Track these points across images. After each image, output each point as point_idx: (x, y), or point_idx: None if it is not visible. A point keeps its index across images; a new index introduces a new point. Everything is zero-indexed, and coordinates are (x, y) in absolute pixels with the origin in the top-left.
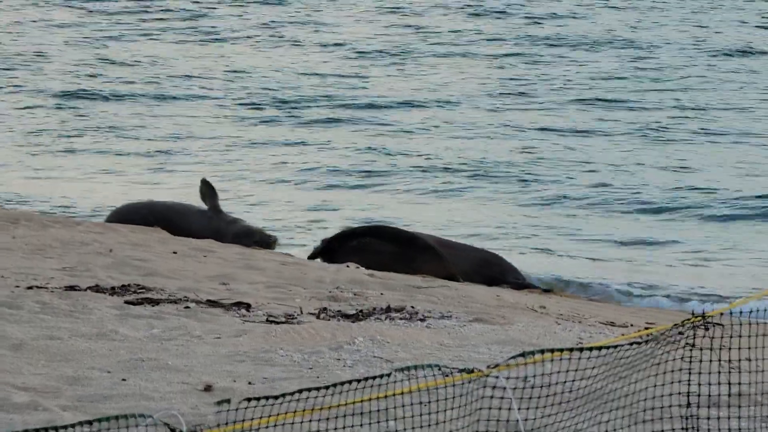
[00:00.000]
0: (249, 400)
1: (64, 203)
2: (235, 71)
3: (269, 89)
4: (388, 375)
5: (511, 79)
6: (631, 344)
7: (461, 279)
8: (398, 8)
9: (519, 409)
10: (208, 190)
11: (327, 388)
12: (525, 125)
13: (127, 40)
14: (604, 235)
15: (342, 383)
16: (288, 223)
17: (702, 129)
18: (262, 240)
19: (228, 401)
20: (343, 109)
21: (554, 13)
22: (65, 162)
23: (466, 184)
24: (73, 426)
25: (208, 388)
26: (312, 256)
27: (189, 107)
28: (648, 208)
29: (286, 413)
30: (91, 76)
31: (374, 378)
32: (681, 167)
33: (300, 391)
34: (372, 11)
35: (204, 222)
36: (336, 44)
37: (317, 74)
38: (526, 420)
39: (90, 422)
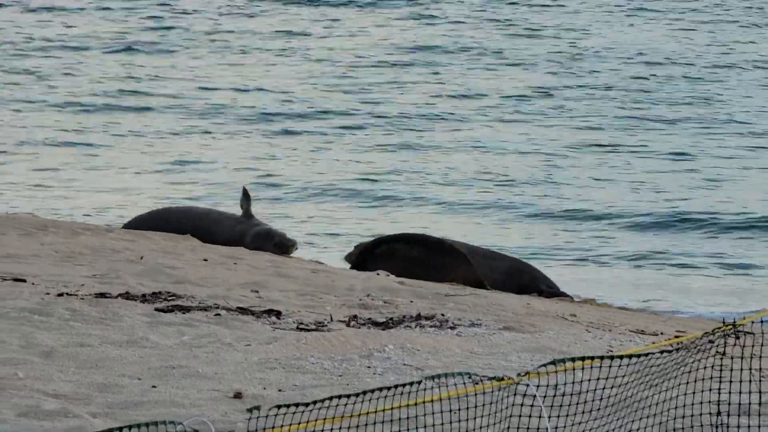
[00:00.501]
0: (279, 407)
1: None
2: (246, 84)
3: (289, 101)
4: (419, 383)
5: (543, 92)
6: (662, 352)
7: (489, 286)
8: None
9: (549, 417)
10: (243, 196)
11: (357, 395)
12: (555, 138)
13: (149, 52)
14: (633, 250)
15: (372, 390)
16: (317, 231)
17: (738, 145)
18: (281, 243)
19: (258, 408)
20: (369, 117)
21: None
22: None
23: (492, 198)
24: None
25: (238, 396)
26: (350, 263)
27: (212, 120)
28: (680, 219)
29: (316, 420)
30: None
31: (404, 386)
32: (710, 180)
33: (331, 398)
34: (407, 19)
35: (231, 226)
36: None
37: (345, 82)
38: (556, 428)
39: (120, 429)
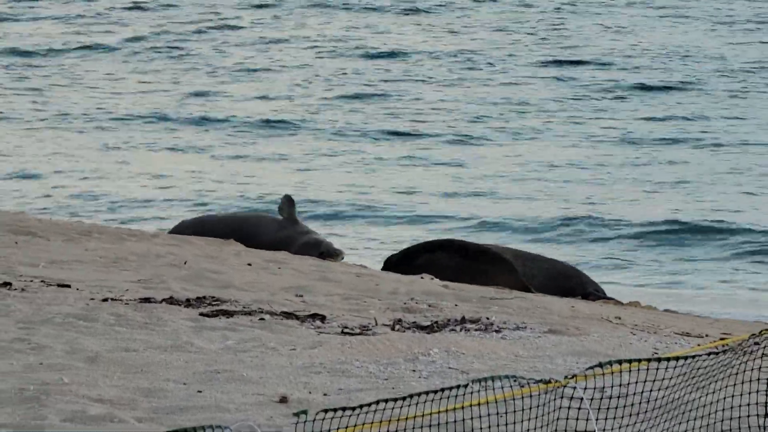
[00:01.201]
0: (326, 411)
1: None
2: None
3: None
4: (465, 386)
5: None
6: (709, 354)
7: (534, 290)
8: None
9: (596, 419)
10: (286, 203)
11: (404, 399)
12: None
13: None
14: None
15: (418, 394)
16: (360, 236)
17: None
18: (327, 253)
19: (305, 412)
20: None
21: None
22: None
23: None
24: None
25: (283, 400)
26: (385, 268)
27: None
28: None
29: (363, 424)
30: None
31: (451, 389)
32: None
33: (377, 402)
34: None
35: (275, 230)
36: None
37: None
38: (603, 431)
39: None
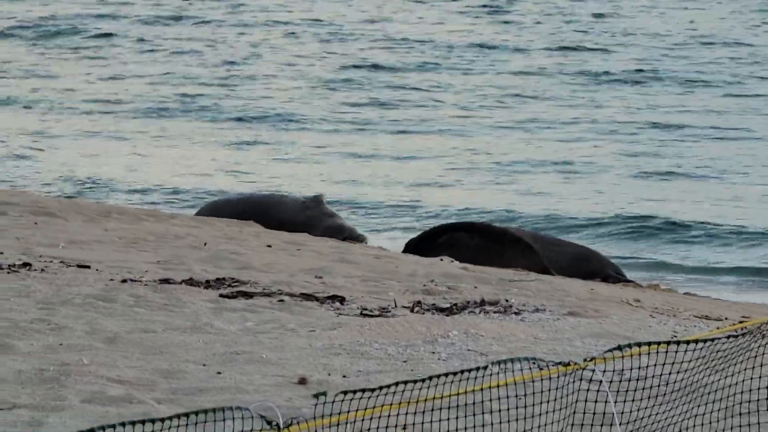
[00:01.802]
0: (345, 392)
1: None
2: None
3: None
4: (485, 368)
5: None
6: (728, 337)
7: (554, 273)
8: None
9: (615, 402)
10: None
11: (423, 380)
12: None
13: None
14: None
15: (438, 376)
16: (380, 217)
17: None
18: (351, 238)
19: (324, 394)
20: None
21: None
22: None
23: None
24: (170, 419)
25: (303, 381)
26: (406, 250)
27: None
28: None
29: (382, 406)
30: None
31: (470, 371)
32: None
33: (396, 384)
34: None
35: (299, 210)
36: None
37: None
38: (621, 413)
39: (186, 415)
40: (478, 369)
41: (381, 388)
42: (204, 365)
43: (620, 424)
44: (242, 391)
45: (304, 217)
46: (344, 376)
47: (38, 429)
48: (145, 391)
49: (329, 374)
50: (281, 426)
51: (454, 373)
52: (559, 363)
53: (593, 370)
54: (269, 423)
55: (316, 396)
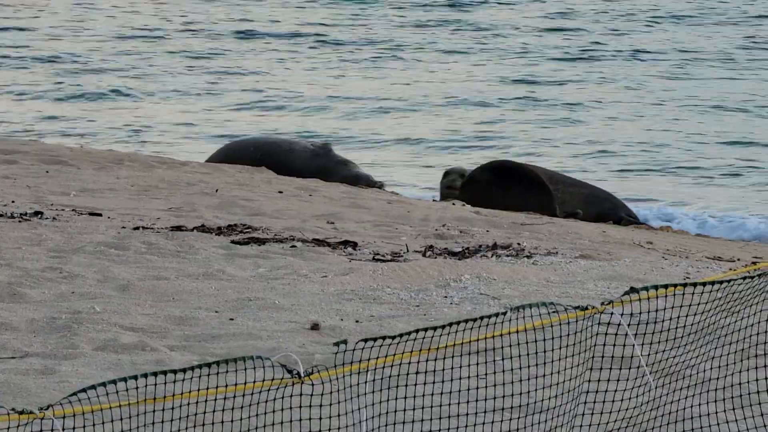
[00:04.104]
0: (365, 340)
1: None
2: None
3: None
4: (504, 313)
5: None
6: (744, 278)
7: (561, 215)
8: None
9: (633, 345)
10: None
11: (443, 327)
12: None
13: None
14: None
15: (458, 323)
16: (395, 163)
17: None
18: (368, 186)
19: (345, 342)
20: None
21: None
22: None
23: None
24: (192, 369)
25: (315, 327)
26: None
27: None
28: None
29: (395, 354)
30: None
31: (489, 317)
32: None
33: (416, 331)
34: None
35: (310, 158)
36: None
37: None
38: (639, 356)
39: (208, 365)
40: (497, 315)
41: (402, 335)
42: (216, 312)
43: (641, 366)
44: (255, 338)
45: (316, 166)
46: (357, 321)
47: (50, 377)
48: (157, 338)
49: (342, 319)
50: (302, 374)
51: (475, 320)
52: (578, 307)
53: (612, 313)
54: (290, 372)
55: (337, 344)
